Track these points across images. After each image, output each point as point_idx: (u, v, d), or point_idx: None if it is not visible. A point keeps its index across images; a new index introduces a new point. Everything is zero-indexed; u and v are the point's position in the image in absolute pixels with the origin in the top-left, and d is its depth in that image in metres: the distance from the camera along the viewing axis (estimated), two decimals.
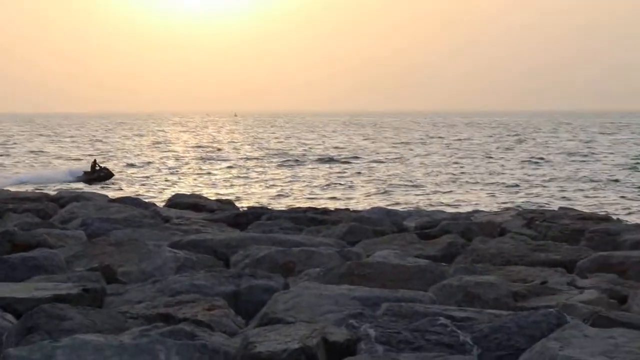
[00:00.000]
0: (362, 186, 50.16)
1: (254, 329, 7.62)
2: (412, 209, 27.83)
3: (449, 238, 15.11)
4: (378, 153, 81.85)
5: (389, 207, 24.91)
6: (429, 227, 17.47)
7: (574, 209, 21.54)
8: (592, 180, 52.42)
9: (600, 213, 22.03)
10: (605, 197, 43.99)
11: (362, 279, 10.68)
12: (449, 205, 38.62)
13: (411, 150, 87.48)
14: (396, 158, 74.84)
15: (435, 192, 46.82)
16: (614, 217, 21.32)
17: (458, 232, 16.06)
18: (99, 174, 55.75)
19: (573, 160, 70.45)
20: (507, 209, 24.05)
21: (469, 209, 30.00)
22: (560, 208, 22.31)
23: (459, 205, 38.89)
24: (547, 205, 35.90)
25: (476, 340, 6.83)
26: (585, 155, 76.36)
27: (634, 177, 54.88)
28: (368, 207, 25.28)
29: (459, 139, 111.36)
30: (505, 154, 78.91)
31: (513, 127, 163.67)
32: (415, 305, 8.31)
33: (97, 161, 59.09)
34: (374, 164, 67.91)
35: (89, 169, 56.54)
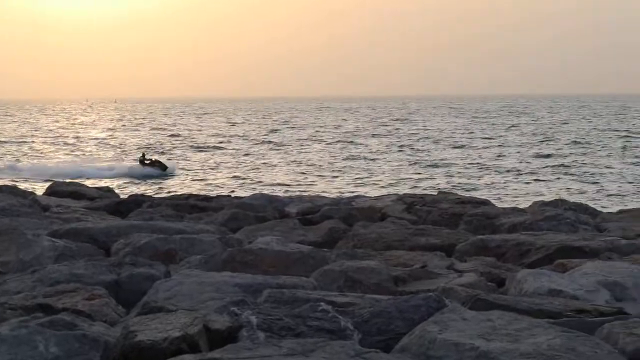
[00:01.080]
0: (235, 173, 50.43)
1: (134, 318, 7.55)
2: (294, 195, 27.90)
3: (330, 224, 15.19)
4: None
5: (272, 194, 24.91)
6: (311, 212, 17.53)
7: (453, 194, 21.86)
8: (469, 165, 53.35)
9: (479, 197, 22.36)
10: (482, 182, 44.82)
11: (244, 265, 10.66)
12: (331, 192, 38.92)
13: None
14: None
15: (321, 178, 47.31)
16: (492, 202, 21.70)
17: (339, 218, 16.15)
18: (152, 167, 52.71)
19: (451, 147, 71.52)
20: (388, 194, 24.24)
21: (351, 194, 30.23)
22: (440, 192, 22.61)
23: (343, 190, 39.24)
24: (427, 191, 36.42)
25: (357, 325, 6.87)
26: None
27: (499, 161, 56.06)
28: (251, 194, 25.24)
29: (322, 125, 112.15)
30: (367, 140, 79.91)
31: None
32: (297, 292, 8.33)
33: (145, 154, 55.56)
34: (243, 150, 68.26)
35: (137, 163, 53.38)
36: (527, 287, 9.55)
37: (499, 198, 36.45)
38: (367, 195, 25.53)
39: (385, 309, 7.09)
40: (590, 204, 22.17)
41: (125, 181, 48.13)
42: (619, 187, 42.36)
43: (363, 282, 9.66)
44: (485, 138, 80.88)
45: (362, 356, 6.00)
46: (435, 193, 22.67)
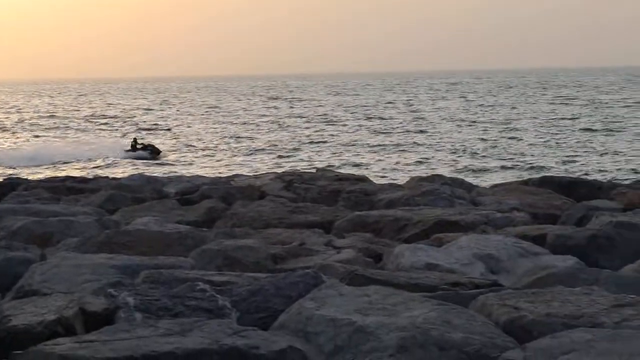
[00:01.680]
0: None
1: (9, 303, 7.42)
2: (172, 175, 27.69)
3: (209, 203, 15.13)
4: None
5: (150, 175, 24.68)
6: (190, 192, 17.41)
7: (332, 170, 21.98)
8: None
9: (357, 174, 22.52)
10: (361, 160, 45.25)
11: (121, 247, 10.56)
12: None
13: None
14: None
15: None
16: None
17: (218, 197, 16.09)
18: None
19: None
20: (267, 172, 24.25)
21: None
22: (318, 170, 22.68)
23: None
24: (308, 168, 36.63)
25: (235, 304, 6.87)
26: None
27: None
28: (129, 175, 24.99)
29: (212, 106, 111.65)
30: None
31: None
32: (175, 272, 8.30)
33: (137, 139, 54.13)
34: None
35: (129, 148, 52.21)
36: (404, 262, 9.67)
37: (378, 175, 36.83)
38: (247, 174, 25.48)
39: (263, 287, 7.11)
40: (466, 178, 22.50)
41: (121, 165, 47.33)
42: (493, 162, 43.20)
43: (242, 261, 9.66)
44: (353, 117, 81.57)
45: (239, 334, 6.01)
46: (314, 170, 22.75)
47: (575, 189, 16.60)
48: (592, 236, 10.84)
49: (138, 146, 51.96)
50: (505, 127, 64.27)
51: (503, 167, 40.66)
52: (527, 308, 6.74)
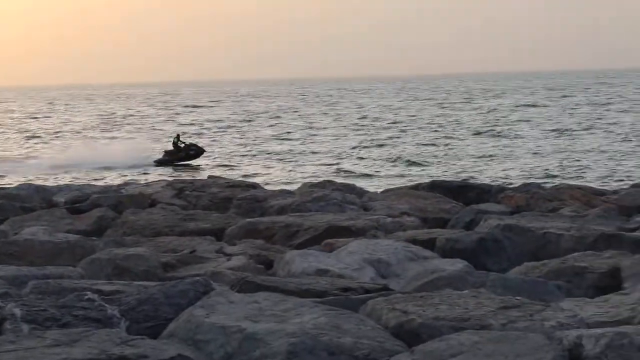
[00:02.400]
0: None
1: None
2: (62, 184, 27.28)
3: (99, 212, 14.97)
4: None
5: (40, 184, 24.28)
6: (79, 201, 17.19)
7: (223, 178, 21.91)
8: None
9: (248, 181, 22.53)
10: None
11: (9, 257, 10.41)
12: None
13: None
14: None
15: None
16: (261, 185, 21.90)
17: (109, 205, 15.91)
18: (187, 152, 46.29)
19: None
20: (158, 180, 24.07)
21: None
22: (210, 176, 22.62)
23: None
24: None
25: (124, 313, 6.81)
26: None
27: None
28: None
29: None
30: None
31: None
32: (63, 282, 8.19)
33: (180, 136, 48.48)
34: None
35: (171, 148, 46.70)
36: (294, 268, 9.71)
37: (271, 181, 36.83)
38: (138, 182, 25.24)
39: (152, 295, 7.06)
40: (357, 183, 22.63)
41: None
42: (385, 166, 43.56)
43: (131, 270, 9.59)
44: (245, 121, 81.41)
45: (128, 343, 5.97)
46: (206, 178, 22.66)
47: (465, 193, 16.85)
48: (480, 239, 11.02)
49: (180, 144, 46.50)
50: (398, 131, 64.95)
51: (393, 173, 40.97)
52: (415, 312, 6.83)
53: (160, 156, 46.67)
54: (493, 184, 19.10)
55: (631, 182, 24.27)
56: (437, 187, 17.23)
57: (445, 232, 11.94)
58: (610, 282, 9.46)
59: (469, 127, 66.25)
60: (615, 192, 17.86)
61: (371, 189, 21.03)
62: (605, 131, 59.50)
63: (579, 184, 22.82)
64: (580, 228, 11.78)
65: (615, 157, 45.15)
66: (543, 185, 18.82)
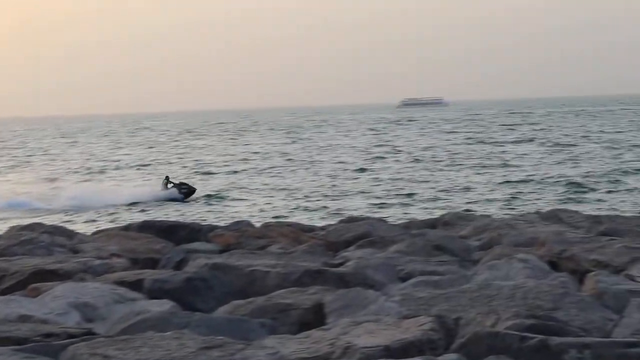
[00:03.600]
0: None
1: None
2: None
3: None
4: None
5: None
6: None
7: None
8: None
9: None
10: None
11: None
12: None
13: None
14: None
15: None
16: None
17: None
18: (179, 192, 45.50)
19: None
20: None
21: None
22: None
23: None
24: None
25: None
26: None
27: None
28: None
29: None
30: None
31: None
32: None
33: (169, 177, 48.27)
34: None
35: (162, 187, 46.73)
36: None
37: None
38: None
39: None
40: (69, 226, 22.19)
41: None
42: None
43: None
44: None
45: None
46: None
47: (176, 232, 16.82)
48: (187, 279, 11.04)
49: (169, 185, 47.11)
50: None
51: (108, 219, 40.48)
52: (116, 356, 6.78)
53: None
54: (204, 223, 19.15)
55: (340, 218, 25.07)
56: (147, 227, 17.10)
57: (154, 273, 11.89)
58: (314, 318, 9.68)
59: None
60: (323, 228, 18.34)
61: (82, 231, 20.65)
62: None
63: (290, 221, 23.33)
64: (286, 265, 12.01)
65: (329, 194, 46.62)
66: (253, 223, 19.07)
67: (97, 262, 13.22)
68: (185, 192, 46.40)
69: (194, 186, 48.08)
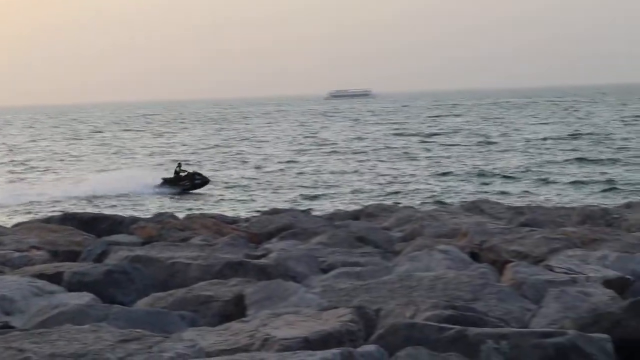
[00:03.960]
0: None
1: None
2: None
3: None
4: None
5: None
6: None
7: None
8: None
9: None
10: None
11: None
12: None
13: None
14: None
15: None
16: None
17: None
18: (192, 182, 43.58)
19: None
20: None
21: None
22: None
23: None
24: None
25: None
26: None
27: None
28: None
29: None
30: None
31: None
32: None
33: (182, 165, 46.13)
34: None
35: (171, 176, 44.66)
36: None
37: None
38: None
39: None
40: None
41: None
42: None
43: None
44: None
45: None
46: None
47: (97, 225, 16.69)
48: (107, 272, 10.92)
49: (182, 174, 44.65)
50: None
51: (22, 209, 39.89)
52: (31, 349, 6.68)
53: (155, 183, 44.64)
54: (126, 215, 19.01)
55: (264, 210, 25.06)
56: (69, 219, 16.94)
57: (74, 266, 11.75)
58: (235, 310, 9.66)
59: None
60: (246, 219, 18.33)
61: (1, 223, 20.39)
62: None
63: (214, 213, 23.24)
64: (207, 257, 11.96)
65: (249, 187, 46.55)
66: (176, 214, 18.97)
67: (16, 254, 13.06)
68: (199, 182, 44.46)
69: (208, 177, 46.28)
